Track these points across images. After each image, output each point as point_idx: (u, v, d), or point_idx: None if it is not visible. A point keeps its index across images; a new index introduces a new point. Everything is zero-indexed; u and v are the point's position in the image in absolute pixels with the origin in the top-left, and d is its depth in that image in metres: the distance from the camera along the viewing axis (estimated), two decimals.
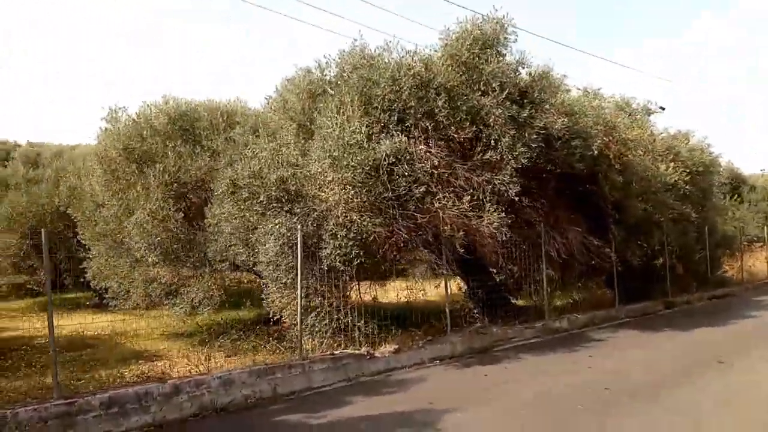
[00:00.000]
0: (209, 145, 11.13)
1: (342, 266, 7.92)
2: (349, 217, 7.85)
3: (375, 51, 9.82)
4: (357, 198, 7.92)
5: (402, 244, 8.86)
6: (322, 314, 8.20)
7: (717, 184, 17.89)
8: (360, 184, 8.03)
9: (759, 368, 7.45)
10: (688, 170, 14.68)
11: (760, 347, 8.76)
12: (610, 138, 11.20)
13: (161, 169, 10.26)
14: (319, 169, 8.18)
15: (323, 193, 8.04)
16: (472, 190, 9.35)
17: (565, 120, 9.84)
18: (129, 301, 10.71)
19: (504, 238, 9.78)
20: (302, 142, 9.81)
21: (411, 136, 9.25)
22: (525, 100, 9.86)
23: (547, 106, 10.02)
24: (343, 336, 8.25)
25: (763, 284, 18.49)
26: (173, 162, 10.49)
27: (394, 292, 11.18)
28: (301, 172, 8.41)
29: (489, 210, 8.99)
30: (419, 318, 9.60)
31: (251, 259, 9.23)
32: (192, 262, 10.37)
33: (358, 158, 7.90)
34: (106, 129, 11.67)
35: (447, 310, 9.15)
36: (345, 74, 9.94)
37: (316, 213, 7.98)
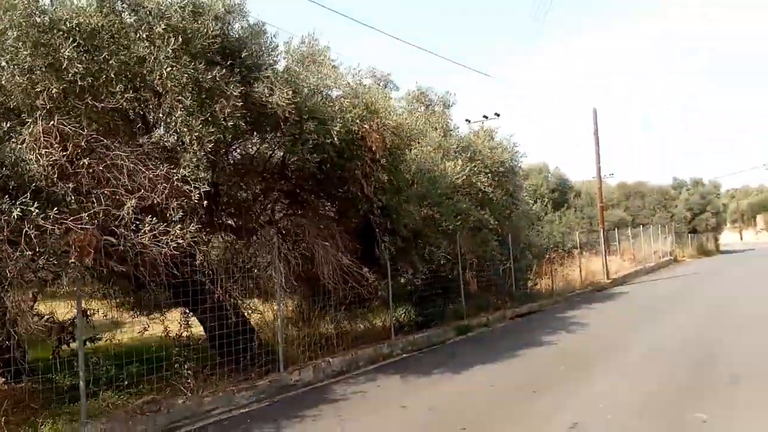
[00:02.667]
0: None
1: None
2: None
3: None
4: None
5: None
6: None
7: (525, 187, 16.54)
8: None
9: None
10: (488, 170, 12.83)
11: (529, 402, 6.50)
12: (371, 125, 8.57)
13: None
14: None
15: None
16: (143, 191, 6.18)
17: (290, 93, 6.98)
18: None
19: (202, 258, 6.81)
20: None
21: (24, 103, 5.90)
22: (229, 62, 6.88)
23: (269, 74, 7.15)
24: None
25: (575, 296, 17.43)
26: None
27: None
28: None
29: (153, 221, 5.86)
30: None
31: None
32: None
33: None
34: None
35: (81, 382, 5.74)
36: None
37: None
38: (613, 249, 26.61)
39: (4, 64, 6.07)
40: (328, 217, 9.15)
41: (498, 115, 33.95)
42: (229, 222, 8.91)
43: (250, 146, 9.03)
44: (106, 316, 8.33)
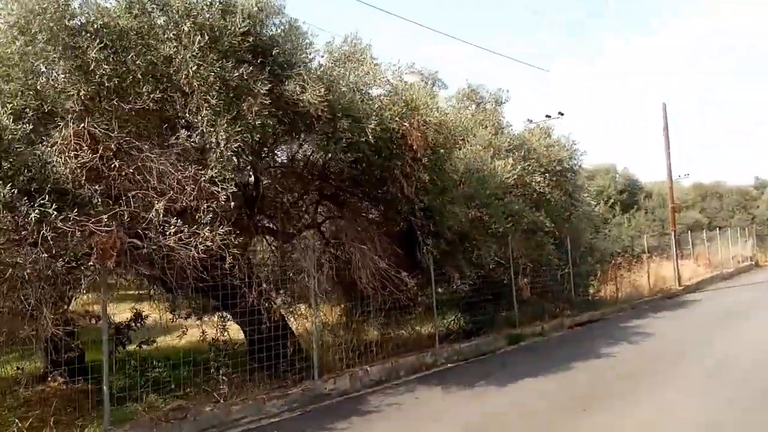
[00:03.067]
0: None
1: None
2: None
3: None
4: None
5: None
6: None
7: (588, 188, 15.62)
8: None
9: None
10: (544, 169, 12.13)
11: (578, 420, 5.92)
12: (411, 122, 8.17)
13: None
14: None
15: None
16: (172, 193, 6.08)
17: (322, 90, 6.71)
18: None
19: (232, 261, 6.63)
20: None
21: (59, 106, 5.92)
22: (260, 60, 6.69)
23: (301, 71, 6.91)
24: None
25: (643, 303, 16.27)
26: None
27: None
28: None
29: (178, 223, 5.73)
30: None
31: None
32: None
33: None
34: None
35: (104, 387, 5.67)
36: None
37: None
38: (686, 253, 24.88)
39: (43, 69, 6.15)
40: (369, 220, 8.82)
41: (562, 114, 32.50)
42: (269, 225, 8.77)
43: (295, 148, 8.86)
44: (147, 318, 8.33)
